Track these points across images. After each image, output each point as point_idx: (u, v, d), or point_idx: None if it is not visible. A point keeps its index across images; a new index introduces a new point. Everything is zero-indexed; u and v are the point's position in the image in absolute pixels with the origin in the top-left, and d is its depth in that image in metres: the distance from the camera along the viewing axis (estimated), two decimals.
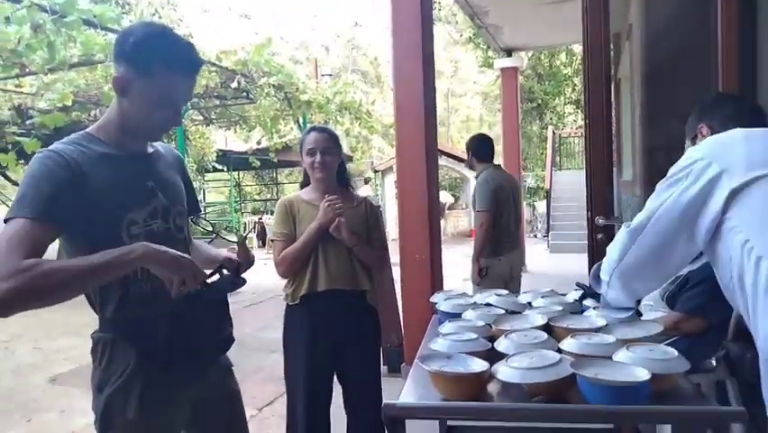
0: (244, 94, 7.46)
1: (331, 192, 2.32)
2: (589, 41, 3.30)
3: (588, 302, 1.75)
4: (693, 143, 1.51)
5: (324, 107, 7.64)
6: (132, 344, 1.33)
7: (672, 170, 1.29)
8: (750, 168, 1.13)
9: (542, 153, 15.98)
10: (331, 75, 14.11)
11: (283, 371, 2.37)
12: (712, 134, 1.43)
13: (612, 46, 3.76)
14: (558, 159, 15.03)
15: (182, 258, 1.25)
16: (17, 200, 1.21)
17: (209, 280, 1.40)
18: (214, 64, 6.29)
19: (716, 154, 1.19)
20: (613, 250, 1.43)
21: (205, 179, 16.52)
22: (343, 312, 2.29)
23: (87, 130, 1.38)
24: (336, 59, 26.03)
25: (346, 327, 2.30)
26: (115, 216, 1.31)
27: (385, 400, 1.22)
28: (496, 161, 4.22)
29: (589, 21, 3.29)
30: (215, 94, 7.25)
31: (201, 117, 9.11)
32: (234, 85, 6.63)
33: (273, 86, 6.98)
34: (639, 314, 1.63)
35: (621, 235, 1.39)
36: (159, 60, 1.29)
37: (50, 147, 1.29)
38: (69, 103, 5.54)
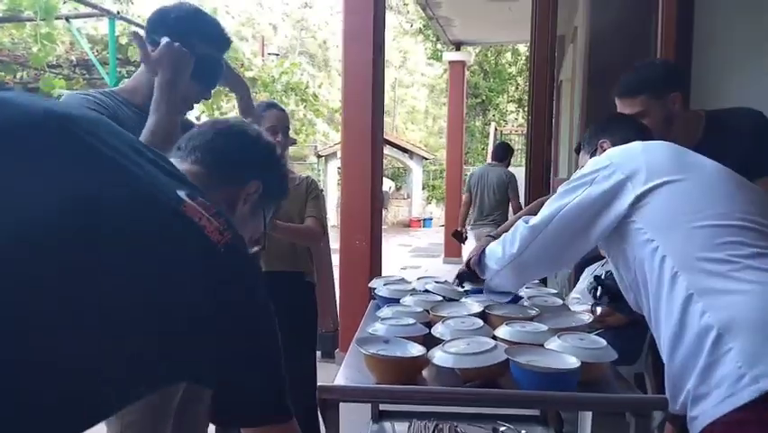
0: None
1: None
2: (537, 40, 3.38)
3: (467, 286, 1.80)
4: (592, 156, 1.57)
5: (270, 86, 7.48)
6: None
7: (574, 176, 1.35)
8: (651, 176, 1.20)
9: (483, 149, 16.28)
10: (278, 54, 13.78)
11: None
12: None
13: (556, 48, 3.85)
14: None
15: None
16: None
17: None
18: None
19: (619, 163, 1.26)
20: (510, 243, 1.46)
21: None
22: (282, 294, 2.23)
23: (113, 89, 1.46)
24: (284, 39, 25.45)
25: (284, 309, 2.25)
26: None
27: (319, 383, 1.20)
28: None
29: (537, 20, 3.37)
30: None
31: None
32: None
33: None
34: (519, 298, 1.71)
35: (521, 230, 1.42)
36: (197, 35, 1.39)
37: (78, 91, 1.34)
38: None
